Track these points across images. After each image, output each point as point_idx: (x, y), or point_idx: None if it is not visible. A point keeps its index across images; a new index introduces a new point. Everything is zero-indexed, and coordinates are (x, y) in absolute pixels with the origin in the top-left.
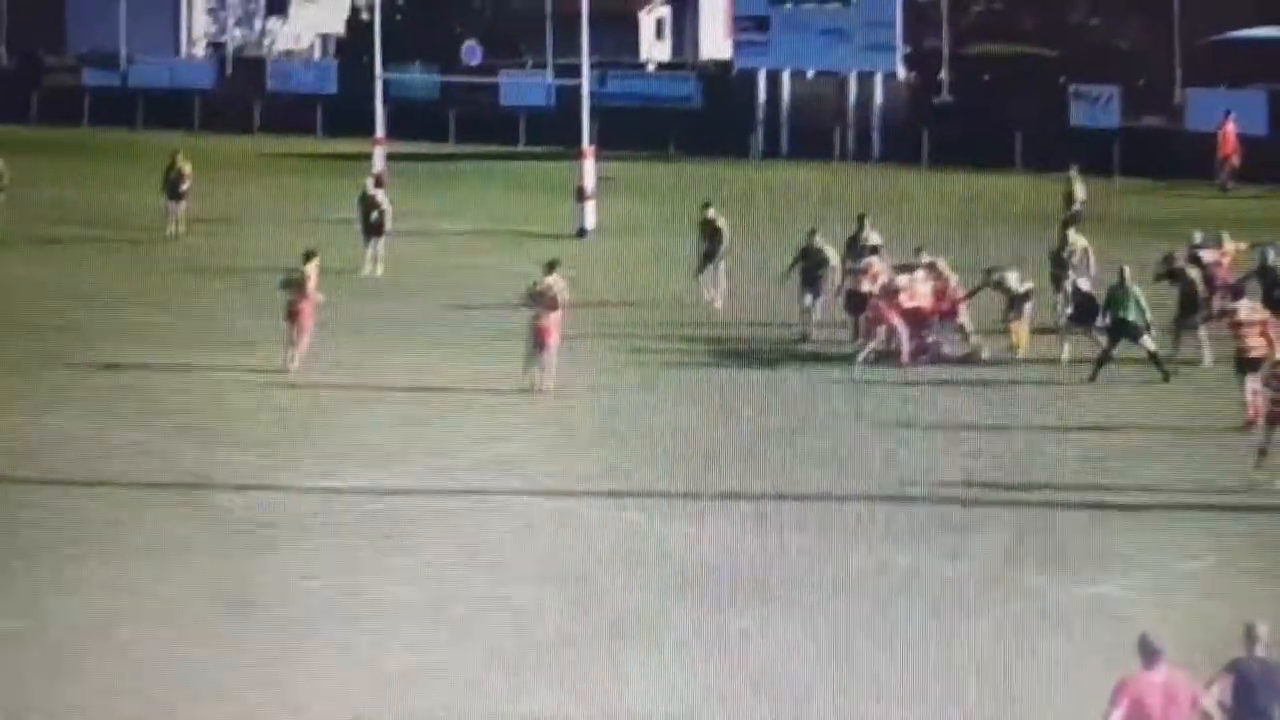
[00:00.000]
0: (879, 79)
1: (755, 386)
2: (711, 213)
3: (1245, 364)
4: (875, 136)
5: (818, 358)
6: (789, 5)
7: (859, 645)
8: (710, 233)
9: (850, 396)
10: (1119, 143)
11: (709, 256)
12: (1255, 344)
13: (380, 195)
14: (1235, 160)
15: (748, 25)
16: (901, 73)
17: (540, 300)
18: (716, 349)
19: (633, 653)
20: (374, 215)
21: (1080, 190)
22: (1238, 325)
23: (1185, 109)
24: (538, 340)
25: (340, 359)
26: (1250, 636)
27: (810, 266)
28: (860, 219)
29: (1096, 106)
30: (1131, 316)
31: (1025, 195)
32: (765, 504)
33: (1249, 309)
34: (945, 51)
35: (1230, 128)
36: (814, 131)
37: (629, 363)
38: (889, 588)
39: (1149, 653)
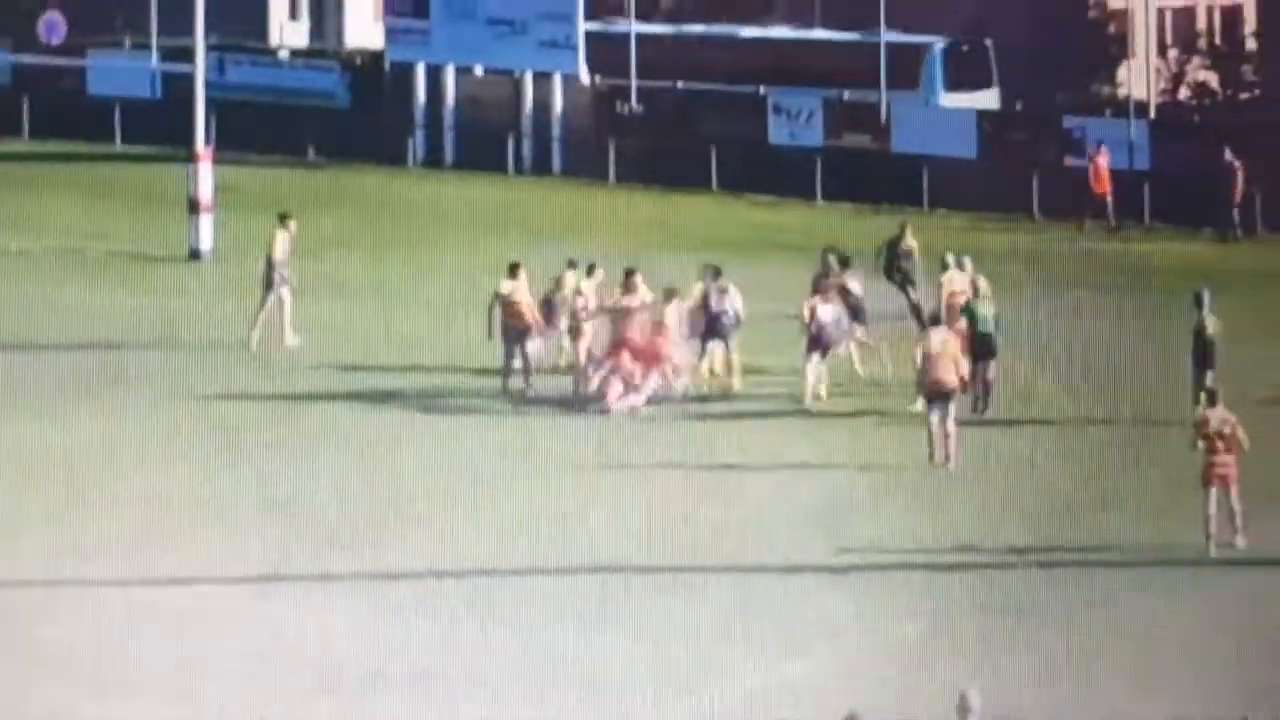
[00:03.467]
0: (558, 81)
1: (414, 440)
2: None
3: (934, 396)
4: (556, 147)
5: (482, 400)
6: None
7: None
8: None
9: (526, 448)
10: (821, 163)
11: (269, 287)
12: (947, 377)
13: None
14: (1108, 196)
15: (403, 10)
16: (585, 75)
17: None
18: (362, 395)
19: None
20: None
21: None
22: (928, 357)
23: (892, 128)
24: None
25: None
26: (963, 708)
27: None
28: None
29: (797, 123)
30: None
31: (721, 219)
32: (427, 583)
33: (940, 340)
34: (634, 54)
35: (1102, 161)
36: (484, 138)
37: (250, 416)
38: (572, 673)
39: None
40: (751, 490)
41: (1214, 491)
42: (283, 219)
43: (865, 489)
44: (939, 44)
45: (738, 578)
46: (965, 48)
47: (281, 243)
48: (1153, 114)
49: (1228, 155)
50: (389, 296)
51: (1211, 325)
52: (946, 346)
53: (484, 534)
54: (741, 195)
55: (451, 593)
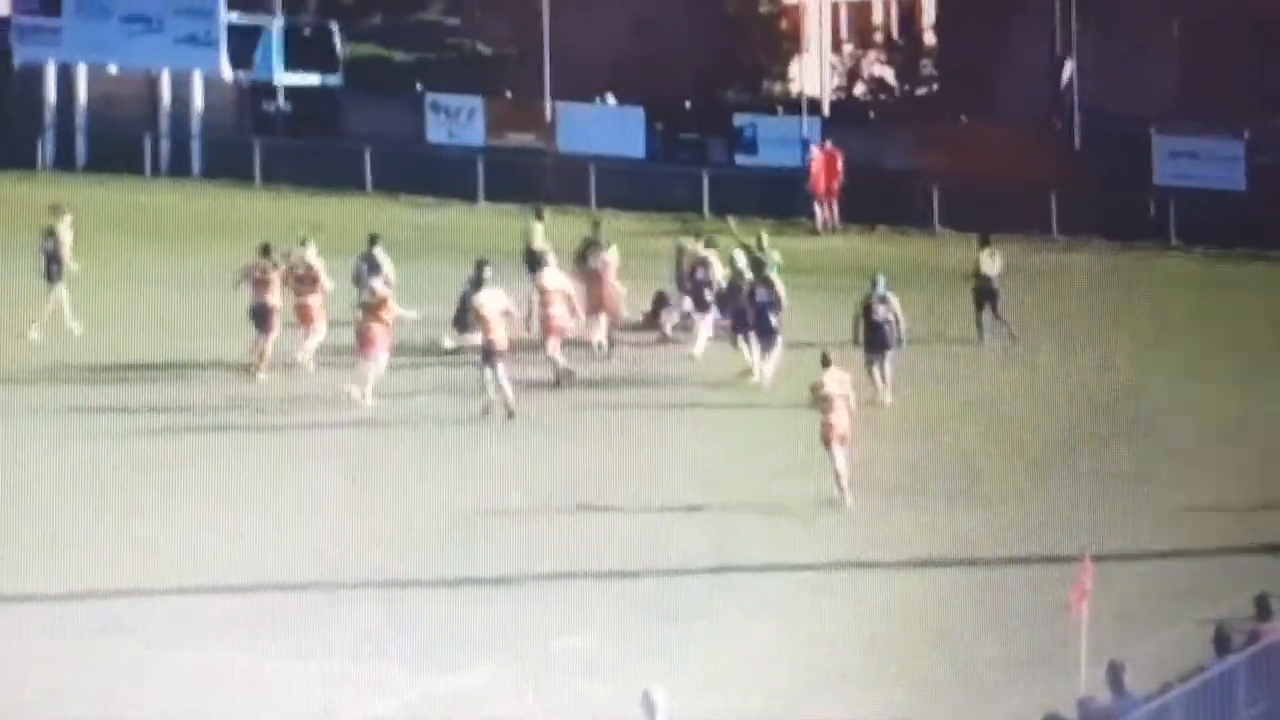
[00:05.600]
0: (198, 79)
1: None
2: None
3: (489, 355)
4: (195, 147)
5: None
6: None
7: None
8: None
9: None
10: (483, 163)
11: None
12: (496, 337)
13: None
14: (831, 192)
15: (32, 7)
16: (227, 72)
17: None
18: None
19: None
20: None
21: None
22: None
23: (557, 127)
24: None
25: None
26: (648, 705)
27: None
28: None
29: (456, 122)
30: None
31: (377, 220)
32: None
33: (490, 297)
34: (280, 50)
35: (820, 157)
36: (119, 140)
37: None
38: (229, 693)
39: None
40: (403, 499)
41: (835, 450)
42: (55, 210)
43: (521, 491)
44: (277, 25)
45: (392, 591)
46: (306, 30)
47: (65, 234)
48: (826, 111)
49: (827, 145)
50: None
51: (884, 308)
52: (497, 303)
53: (128, 551)
54: (398, 196)
55: (99, 613)
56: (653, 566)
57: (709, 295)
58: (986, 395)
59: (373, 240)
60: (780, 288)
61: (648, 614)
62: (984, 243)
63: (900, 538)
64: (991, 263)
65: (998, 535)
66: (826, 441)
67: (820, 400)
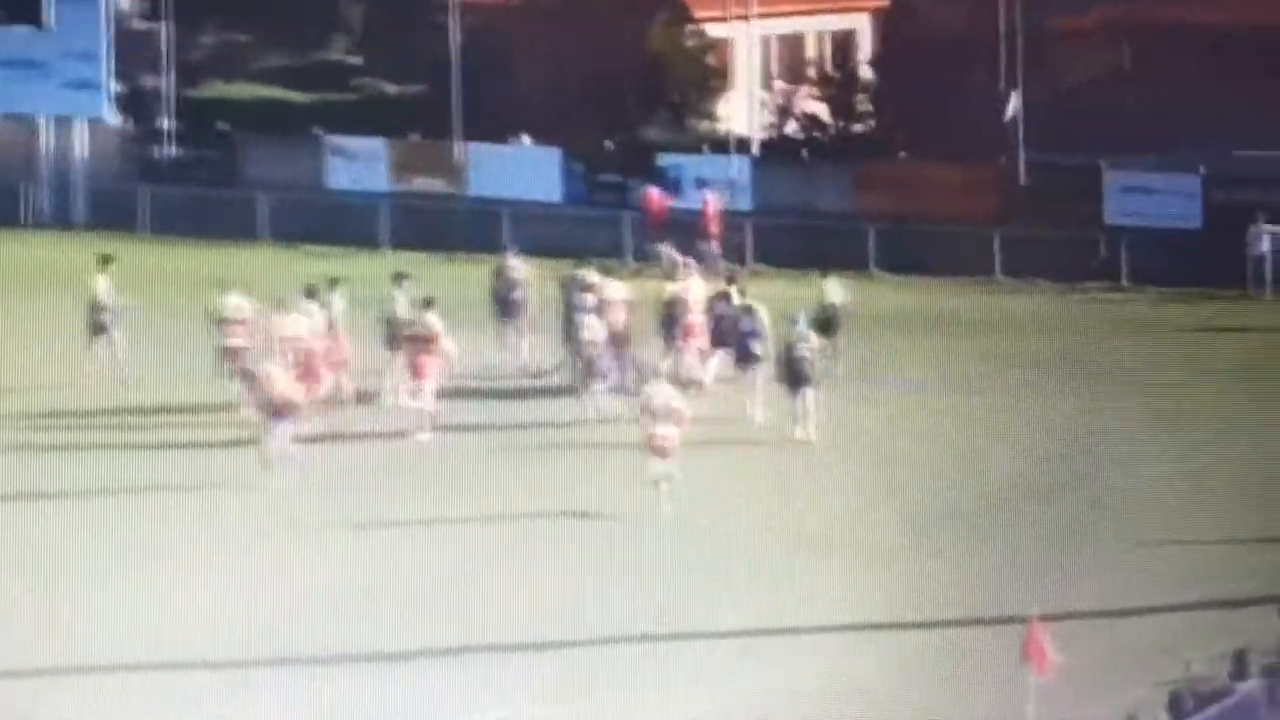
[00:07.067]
0: (82, 125)
1: None
2: None
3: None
4: (78, 197)
5: None
6: None
7: None
8: None
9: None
10: (388, 209)
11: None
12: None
13: None
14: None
15: None
16: (112, 118)
17: None
18: None
19: None
20: None
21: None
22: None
23: (468, 169)
24: None
25: None
26: None
27: None
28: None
29: (358, 166)
30: None
31: (273, 271)
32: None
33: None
34: (169, 93)
35: (711, 205)
36: None
37: None
38: None
39: None
40: (356, 557)
41: (656, 461)
42: (104, 261)
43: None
44: None
45: (350, 666)
46: None
47: (104, 285)
48: (756, 149)
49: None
50: None
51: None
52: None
53: (71, 624)
54: (297, 245)
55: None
56: (582, 636)
57: (758, 347)
58: (925, 444)
59: (398, 279)
60: (764, 316)
61: (577, 685)
62: (824, 274)
63: (837, 597)
64: (836, 291)
65: (941, 594)
66: (652, 451)
67: (643, 412)
